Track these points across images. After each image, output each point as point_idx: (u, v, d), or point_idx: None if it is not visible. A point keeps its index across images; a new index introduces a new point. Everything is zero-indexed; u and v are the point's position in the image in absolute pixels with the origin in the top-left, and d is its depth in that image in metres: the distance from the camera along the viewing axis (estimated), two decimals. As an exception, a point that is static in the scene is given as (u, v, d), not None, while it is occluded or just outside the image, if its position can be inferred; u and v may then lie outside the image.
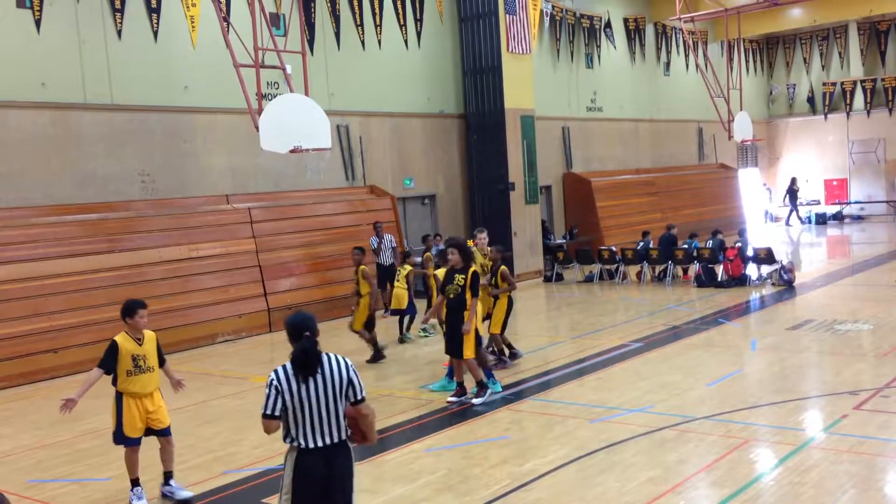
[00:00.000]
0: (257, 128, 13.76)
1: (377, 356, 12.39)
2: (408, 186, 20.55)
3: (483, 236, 11.87)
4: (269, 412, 4.80)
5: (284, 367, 4.84)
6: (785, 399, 9.30)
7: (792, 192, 33.55)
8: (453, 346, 9.83)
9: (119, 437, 7.18)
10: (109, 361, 7.07)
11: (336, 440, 4.85)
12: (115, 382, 7.16)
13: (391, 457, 8.13)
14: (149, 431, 7.26)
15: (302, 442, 4.80)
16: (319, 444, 4.80)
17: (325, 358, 4.84)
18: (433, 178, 21.20)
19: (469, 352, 9.72)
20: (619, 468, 7.39)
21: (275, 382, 4.79)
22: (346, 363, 4.92)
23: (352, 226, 17.79)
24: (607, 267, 20.56)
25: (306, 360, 4.77)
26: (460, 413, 9.54)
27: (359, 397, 4.90)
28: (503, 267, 11.30)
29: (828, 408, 9.04)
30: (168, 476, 7.41)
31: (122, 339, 7.13)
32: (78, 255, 13.77)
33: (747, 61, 34.77)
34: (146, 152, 15.58)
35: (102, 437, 9.29)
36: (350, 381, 4.87)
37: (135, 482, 7.22)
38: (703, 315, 15.07)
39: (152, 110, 15.64)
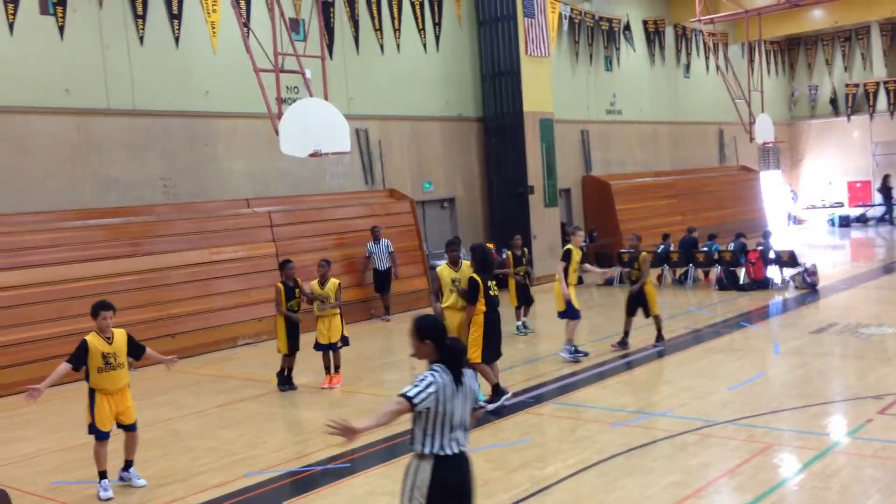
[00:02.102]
0: (277, 132, 13.83)
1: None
2: (427, 190, 20.57)
3: (581, 233, 12.57)
4: (417, 401, 4.55)
5: (438, 369, 4.67)
6: (808, 403, 9.22)
7: (886, 190, 33.01)
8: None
9: (93, 429, 7.61)
10: (77, 357, 7.53)
11: (464, 447, 4.77)
12: (87, 379, 7.62)
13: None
14: (118, 426, 7.77)
15: (442, 450, 4.67)
16: (456, 451, 4.70)
17: None
18: (452, 181, 21.21)
19: (474, 357, 9.57)
20: (641, 472, 7.35)
21: (434, 385, 4.60)
22: (474, 375, 4.93)
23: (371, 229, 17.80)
24: (627, 270, 20.45)
25: (461, 363, 4.73)
26: (481, 416, 9.51)
27: (478, 405, 5.06)
28: (644, 254, 12.88)
29: (852, 412, 8.96)
30: (129, 464, 7.87)
31: (92, 338, 7.62)
32: (101, 259, 13.89)
33: (768, 63, 34.55)
34: (168, 157, 15.70)
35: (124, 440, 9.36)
36: (475, 390, 4.87)
37: (102, 474, 7.62)
38: (724, 318, 14.97)
39: (173, 115, 15.76)
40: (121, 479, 7.81)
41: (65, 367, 7.50)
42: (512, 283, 14.53)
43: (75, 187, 14.49)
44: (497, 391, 9.82)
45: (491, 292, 9.65)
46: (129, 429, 7.79)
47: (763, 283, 18.03)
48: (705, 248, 19.59)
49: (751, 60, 29.28)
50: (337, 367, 11.43)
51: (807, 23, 32.09)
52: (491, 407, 9.66)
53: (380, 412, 4.67)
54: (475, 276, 9.56)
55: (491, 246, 19.46)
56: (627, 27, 27.19)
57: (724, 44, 30.57)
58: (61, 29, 14.28)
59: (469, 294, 9.53)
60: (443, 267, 10.22)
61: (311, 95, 14.65)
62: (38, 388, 7.35)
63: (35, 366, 12.49)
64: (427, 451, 4.68)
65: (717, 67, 28.71)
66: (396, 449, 8.52)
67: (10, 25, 13.71)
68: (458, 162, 21.28)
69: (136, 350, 7.87)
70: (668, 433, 8.37)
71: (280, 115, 13.95)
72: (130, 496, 7.63)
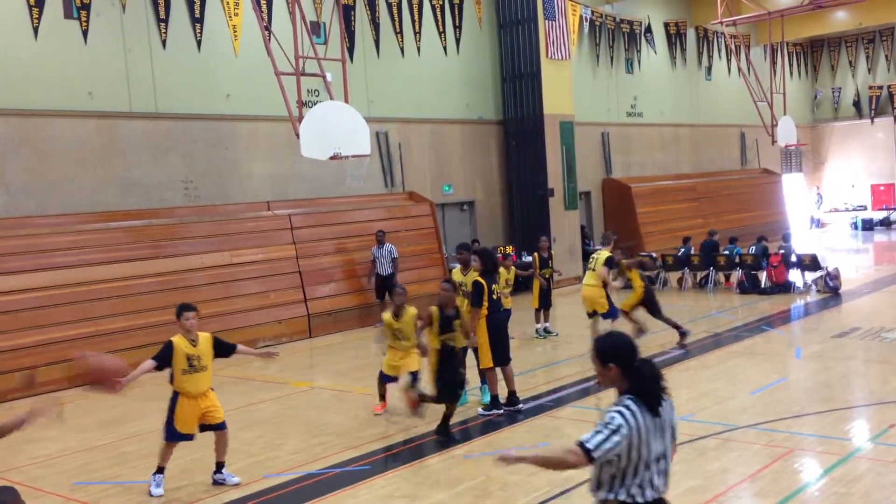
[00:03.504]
0: (298, 135, 13.90)
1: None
2: (447, 193, 20.58)
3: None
4: (598, 455, 3.75)
5: (630, 403, 3.83)
6: (830, 408, 9.14)
7: None
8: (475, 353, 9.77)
9: (170, 431, 7.58)
10: (162, 356, 7.48)
11: (664, 491, 3.97)
12: (172, 381, 7.59)
13: (431, 462, 8.14)
14: (205, 427, 7.70)
15: (639, 496, 3.86)
16: (650, 497, 3.89)
17: None
18: (472, 184, 21.21)
19: (484, 363, 9.60)
20: (660, 477, 7.30)
21: (624, 429, 3.76)
22: (671, 400, 4.01)
23: (391, 232, 17.81)
24: (647, 273, 20.33)
25: (658, 391, 3.85)
26: (500, 421, 9.51)
27: (675, 440, 4.06)
28: (623, 261, 13.13)
29: (875, 417, 8.87)
30: (220, 465, 7.82)
31: (177, 339, 7.55)
32: (123, 261, 14.01)
33: (791, 65, 34.30)
34: (189, 160, 15.82)
35: (147, 441, 9.44)
36: (674, 423, 4.02)
37: (160, 470, 7.68)
38: (745, 322, 14.87)
39: (195, 118, 15.87)
40: (215, 482, 7.76)
41: (149, 363, 7.41)
42: (536, 284, 14.49)
43: (98, 190, 14.63)
44: (495, 402, 9.68)
45: (494, 296, 9.55)
46: (218, 428, 7.70)
47: (785, 287, 17.89)
48: (726, 252, 19.46)
49: (773, 62, 29.08)
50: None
51: (830, 24, 31.83)
52: (486, 414, 9.62)
53: (550, 453, 4.01)
54: (479, 278, 9.48)
55: (510, 249, 19.48)
56: (648, 29, 27.09)
57: (747, 46, 30.37)
58: (85, 33, 14.43)
59: (472, 297, 9.44)
60: (456, 271, 10.28)
61: (331, 98, 14.71)
62: (121, 382, 7.09)
63: (57, 367, 12.63)
64: (612, 497, 3.88)
65: (739, 70, 28.54)
66: (416, 451, 8.53)
67: (35, 30, 13.87)
68: (478, 165, 21.28)
69: (224, 350, 7.78)
70: (687, 437, 8.31)
71: (301, 118, 14.01)
72: (147, 494, 7.67)
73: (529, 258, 16.23)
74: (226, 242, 15.44)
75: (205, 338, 7.67)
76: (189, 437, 7.64)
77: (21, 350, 12.46)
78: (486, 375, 9.72)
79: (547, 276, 14.58)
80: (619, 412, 3.79)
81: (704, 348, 12.80)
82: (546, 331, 14.49)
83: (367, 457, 8.38)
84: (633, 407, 3.80)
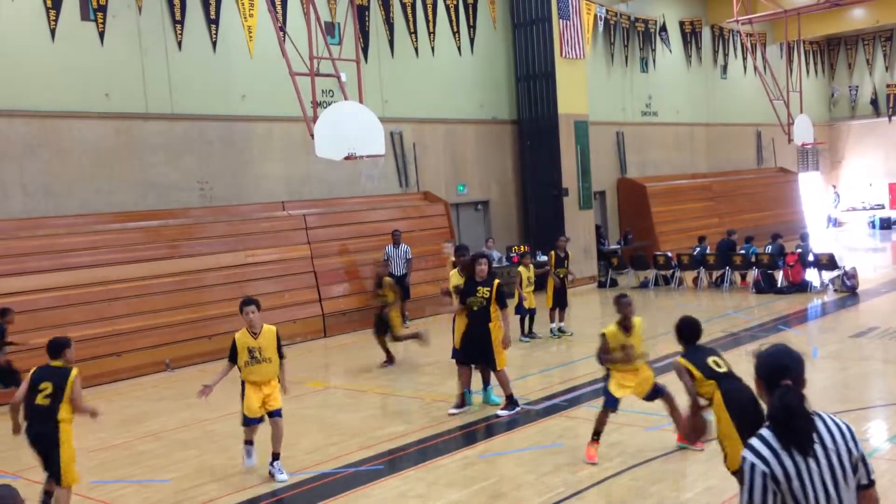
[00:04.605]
0: (312, 135, 13.93)
1: None
2: (461, 193, 20.57)
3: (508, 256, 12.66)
4: None
5: (762, 438, 3.19)
6: (848, 408, 9.07)
7: None
8: (487, 357, 9.75)
9: (243, 417, 7.97)
10: (230, 354, 7.93)
11: None
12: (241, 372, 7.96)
13: (445, 462, 8.14)
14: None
15: None
16: None
17: (818, 421, 3.23)
18: (486, 184, 21.20)
19: (502, 363, 9.63)
20: (675, 477, 7.29)
21: (760, 467, 3.13)
22: (848, 428, 3.28)
23: (405, 232, 17.83)
24: (662, 273, 20.30)
25: (792, 425, 3.17)
26: (514, 419, 9.50)
27: (871, 478, 3.28)
28: (387, 278, 13.18)
29: (893, 417, 8.80)
30: (275, 456, 7.95)
31: (239, 334, 7.93)
32: (139, 261, 14.10)
33: (807, 63, 34.06)
34: (205, 160, 15.89)
35: (162, 440, 9.51)
36: (861, 457, 3.24)
37: (249, 442, 8.15)
38: (761, 322, 14.78)
39: (211, 119, 15.94)
40: (270, 473, 7.93)
41: (226, 365, 7.92)
42: (550, 283, 14.46)
43: (114, 190, 14.72)
44: (511, 400, 9.75)
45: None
46: (272, 415, 7.90)
47: (801, 287, 17.77)
48: (742, 251, 19.36)
49: (790, 61, 28.88)
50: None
51: (847, 22, 31.57)
52: (505, 415, 9.62)
53: None
54: (498, 280, 9.63)
55: (524, 249, 19.46)
56: (663, 28, 26.98)
57: (763, 44, 30.18)
58: (101, 34, 14.52)
59: (499, 300, 9.55)
60: (453, 272, 10.34)
61: (346, 99, 14.74)
62: (209, 386, 7.77)
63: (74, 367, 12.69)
64: None
65: (755, 68, 28.36)
66: (429, 451, 8.54)
67: (52, 32, 13.97)
68: (493, 164, 21.26)
69: (278, 352, 8.01)
70: (704, 438, 8.26)
71: (315, 119, 14.04)
72: (161, 493, 7.72)
73: (545, 257, 16.22)
74: (241, 242, 15.50)
75: (269, 330, 7.94)
76: (258, 421, 7.93)
77: (38, 350, 12.52)
78: (498, 376, 9.71)
79: (561, 275, 14.55)
80: (749, 450, 3.19)
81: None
82: (560, 330, 14.46)
83: (381, 456, 8.39)
84: (766, 434, 3.19)
